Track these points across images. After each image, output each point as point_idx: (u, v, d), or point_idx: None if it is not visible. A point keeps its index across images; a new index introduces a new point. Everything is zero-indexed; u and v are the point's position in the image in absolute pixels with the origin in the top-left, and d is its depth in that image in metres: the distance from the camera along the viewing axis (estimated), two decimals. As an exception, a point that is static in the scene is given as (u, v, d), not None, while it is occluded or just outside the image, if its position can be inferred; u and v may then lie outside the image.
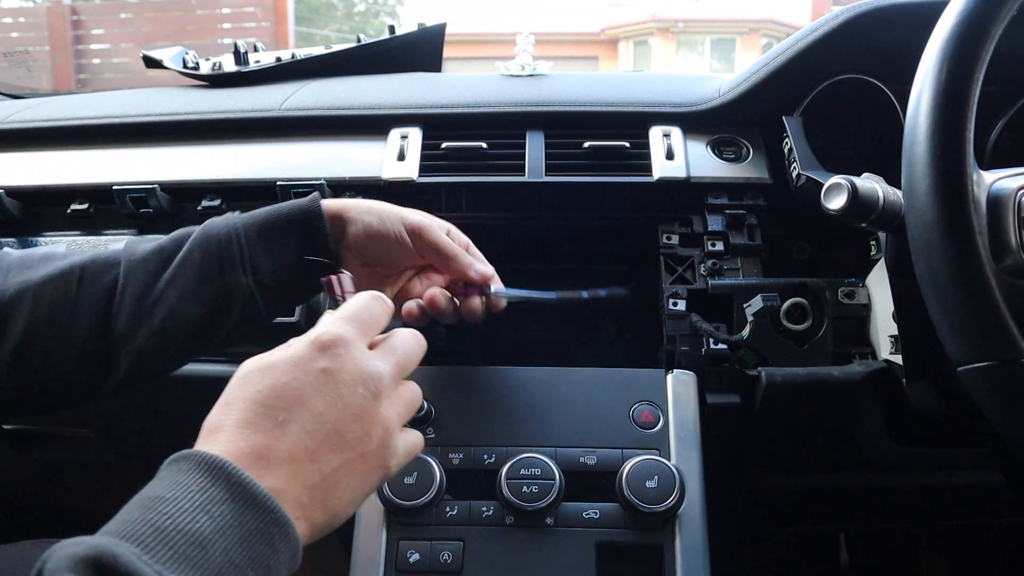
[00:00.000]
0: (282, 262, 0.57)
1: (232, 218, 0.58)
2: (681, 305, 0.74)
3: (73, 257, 0.56)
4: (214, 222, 0.58)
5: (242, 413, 0.40)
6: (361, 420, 0.42)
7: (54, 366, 0.54)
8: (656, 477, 0.60)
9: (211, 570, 0.34)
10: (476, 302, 0.63)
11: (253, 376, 0.43)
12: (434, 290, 0.63)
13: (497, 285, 0.65)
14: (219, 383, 0.78)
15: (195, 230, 0.57)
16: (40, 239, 0.85)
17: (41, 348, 0.53)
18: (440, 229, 0.63)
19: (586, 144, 0.80)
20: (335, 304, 0.52)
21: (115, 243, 0.61)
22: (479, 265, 0.64)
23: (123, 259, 0.56)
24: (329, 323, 0.45)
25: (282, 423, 0.40)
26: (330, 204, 0.60)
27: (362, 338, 0.45)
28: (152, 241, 0.58)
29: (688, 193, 0.79)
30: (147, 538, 0.33)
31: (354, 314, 0.46)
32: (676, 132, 0.82)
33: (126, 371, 0.56)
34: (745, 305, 0.69)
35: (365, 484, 0.43)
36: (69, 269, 0.55)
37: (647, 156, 0.81)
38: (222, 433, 0.40)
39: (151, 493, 0.37)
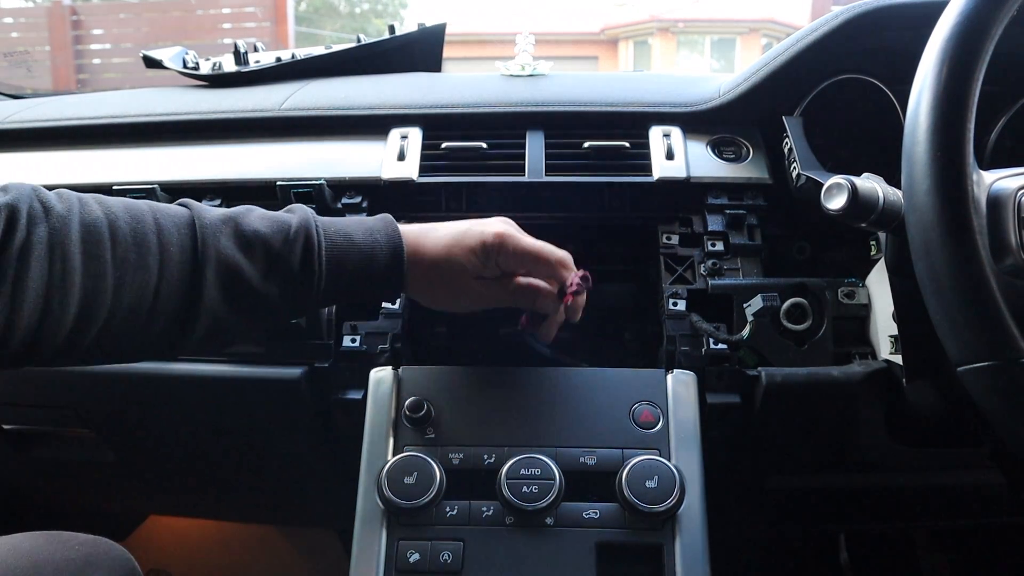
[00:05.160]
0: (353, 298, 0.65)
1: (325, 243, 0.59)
2: (681, 305, 0.74)
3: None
4: (310, 228, 0.58)
5: None
6: None
7: (143, 324, 0.52)
8: (656, 477, 0.60)
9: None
10: (579, 299, 0.68)
11: None
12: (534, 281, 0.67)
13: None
14: (219, 384, 0.79)
15: (300, 230, 0.58)
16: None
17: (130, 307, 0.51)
18: (521, 235, 0.66)
19: (586, 144, 0.80)
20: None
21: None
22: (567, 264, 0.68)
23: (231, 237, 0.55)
24: None
25: None
26: (410, 253, 0.62)
27: None
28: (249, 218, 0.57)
29: (688, 193, 0.79)
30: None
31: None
32: (676, 132, 0.82)
33: (204, 330, 0.54)
34: (745, 305, 0.69)
35: None
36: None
37: (647, 156, 0.81)
38: None
39: None
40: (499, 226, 0.65)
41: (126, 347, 0.53)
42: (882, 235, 0.66)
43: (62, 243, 0.47)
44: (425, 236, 0.64)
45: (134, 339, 0.52)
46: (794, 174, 0.74)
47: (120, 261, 0.50)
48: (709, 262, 0.76)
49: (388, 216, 0.63)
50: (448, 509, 0.61)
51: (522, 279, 0.66)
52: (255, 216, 0.57)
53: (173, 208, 0.55)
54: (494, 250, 0.63)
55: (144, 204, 0.54)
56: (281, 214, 0.59)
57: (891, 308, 0.66)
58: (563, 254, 0.67)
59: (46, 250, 0.47)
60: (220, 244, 0.54)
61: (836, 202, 0.57)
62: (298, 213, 0.59)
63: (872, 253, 0.70)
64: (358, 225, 0.61)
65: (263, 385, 0.75)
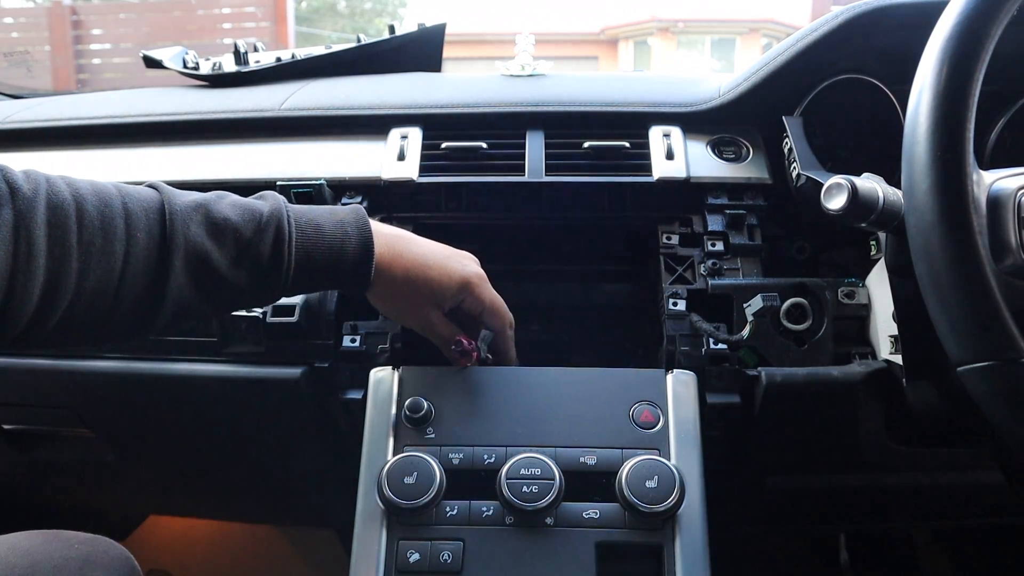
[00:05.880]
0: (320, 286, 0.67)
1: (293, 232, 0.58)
2: (681, 305, 0.74)
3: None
4: (281, 217, 0.58)
5: None
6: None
7: (109, 305, 0.52)
8: (656, 477, 0.59)
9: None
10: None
11: None
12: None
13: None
14: (219, 384, 0.79)
15: (271, 219, 0.57)
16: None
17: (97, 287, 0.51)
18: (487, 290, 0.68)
19: (586, 144, 0.80)
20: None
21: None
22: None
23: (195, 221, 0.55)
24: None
25: None
26: (380, 258, 0.61)
27: None
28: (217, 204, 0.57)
29: (688, 193, 0.79)
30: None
31: None
32: (676, 132, 0.82)
33: (171, 314, 0.55)
34: (745, 305, 0.69)
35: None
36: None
37: (647, 156, 0.81)
38: None
39: None
40: (478, 268, 0.68)
41: (91, 330, 0.52)
42: (882, 235, 0.66)
43: (27, 226, 0.47)
44: (405, 245, 0.64)
45: (99, 322, 0.52)
46: (794, 174, 0.74)
47: (86, 245, 0.49)
48: (709, 262, 0.76)
49: (359, 208, 0.63)
50: (448, 509, 0.61)
51: (453, 336, 0.68)
52: (226, 203, 0.57)
53: (143, 191, 0.55)
54: (469, 289, 0.65)
55: (112, 187, 0.53)
56: (253, 201, 0.58)
57: (891, 308, 0.66)
58: (511, 318, 0.70)
59: (11, 233, 0.46)
60: (190, 231, 0.53)
61: (836, 202, 0.57)
62: (269, 200, 0.59)
63: (872, 253, 0.70)
64: (329, 216, 0.60)
65: (263, 385, 0.75)
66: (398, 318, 0.69)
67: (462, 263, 0.67)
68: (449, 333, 0.68)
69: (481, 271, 0.68)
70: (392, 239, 0.63)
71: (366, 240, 0.60)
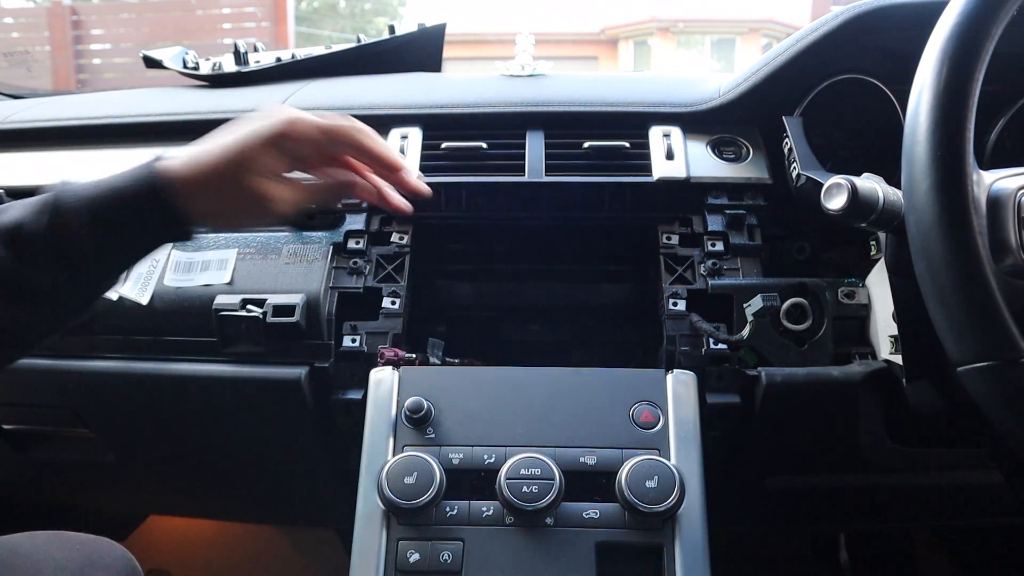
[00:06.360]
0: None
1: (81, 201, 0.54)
2: (681, 305, 0.74)
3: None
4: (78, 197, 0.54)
5: None
6: None
7: None
8: (656, 477, 0.60)
9: None
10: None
11: None
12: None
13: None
14: (218, 384, 0.78)
15: (46, 201, 0.54)
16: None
17: None
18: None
19: (586, 144, 0.80)
20: None
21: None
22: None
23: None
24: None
25: None
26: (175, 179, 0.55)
27: None
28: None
29: (688, 193, 0.79)
30: None
31: None
32: (676, 132, 0.82)
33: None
34: (745, 305, 0.69)
35: None
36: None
37: (647, 156, 0.81)
38: None
39: None
40: (287, 111, 0.58)
41: None
42: (882, 235, 0.66)
43: None
44: (201, 145, 0.57)
45: None
46: (794, 174, 0.74)
47: None
48: (709, 262, 0.76)
49: (152, 153, 0.56)
50: (448, 509, 0.61)
51: (333, 174, 0.62)
52: (15, 208, 0.54)
53: None
54: (288, 137, 0.57)
55: None
56: (38, 197, 0.55)
57: (891, 308, 0.66)
58: (359, 123, 0.61)
59: None
60: None
61: (836, 202, 0.57)
62: (51, 188, 0.55)
63: (872, 253, 0.70)
64: (112, 175, 0.55)
65: (263, 385, 0.75)
66: (258, 216, 0.59)
67: (268, 120, 0.57)
68: (315, 192, 0.61)
69: (292, 112, 0.58)
70: (186, 151, 0.56)
71: (148, 165, 0.55)
